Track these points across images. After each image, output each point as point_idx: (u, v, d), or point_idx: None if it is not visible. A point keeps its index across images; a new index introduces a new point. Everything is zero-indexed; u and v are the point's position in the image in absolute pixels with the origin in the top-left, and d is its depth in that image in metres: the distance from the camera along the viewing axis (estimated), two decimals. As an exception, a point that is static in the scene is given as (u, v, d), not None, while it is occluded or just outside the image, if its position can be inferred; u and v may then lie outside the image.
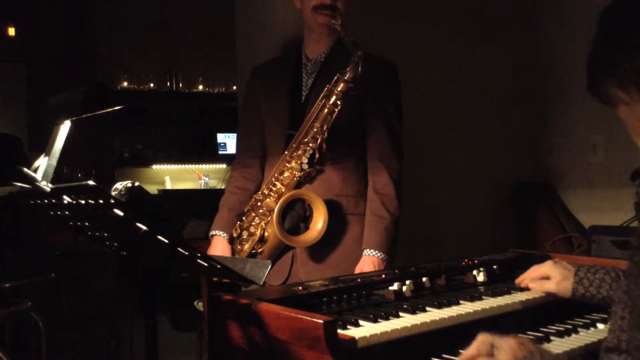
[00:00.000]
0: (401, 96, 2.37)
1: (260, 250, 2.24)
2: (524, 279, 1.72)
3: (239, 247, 2.28)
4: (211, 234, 2.36)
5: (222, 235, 2.33)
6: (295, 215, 2.18)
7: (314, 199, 2.17)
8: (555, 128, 3.71)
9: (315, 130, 2.17)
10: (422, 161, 3.19)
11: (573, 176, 3.66)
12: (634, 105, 1.10)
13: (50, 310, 3.57)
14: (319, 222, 2.16)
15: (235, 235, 2.30)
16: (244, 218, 2.28)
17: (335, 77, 2.15)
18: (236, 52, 3.38)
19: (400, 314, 1.43)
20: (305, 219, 2.19)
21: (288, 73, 2.37)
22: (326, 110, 2.16)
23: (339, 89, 2.14)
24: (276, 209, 2.14)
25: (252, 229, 2.25)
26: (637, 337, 1.04)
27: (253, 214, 2.25)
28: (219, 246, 2.31)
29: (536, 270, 1.70)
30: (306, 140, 2.18)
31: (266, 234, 2.22)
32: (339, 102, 2.14)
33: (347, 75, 2.13)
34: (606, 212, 3.32)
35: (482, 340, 1.26)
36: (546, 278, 1.66)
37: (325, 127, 2.16)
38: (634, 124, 1.13)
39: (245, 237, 2.27)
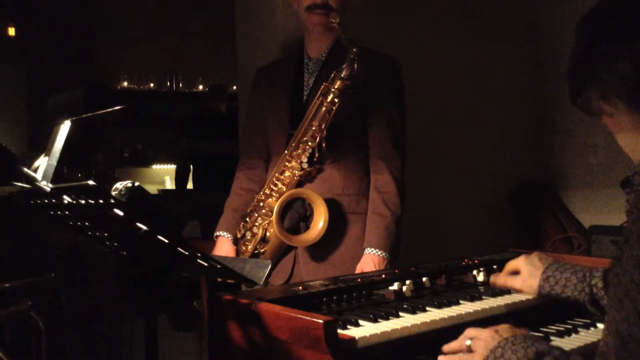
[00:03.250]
0: (404, 92, 2.36)
1: (263, 250, 2.24)
2: (498, 277, 1.69)
3: (243, 248, 2.28)
4: (216, 235, 2.36)
5: (227, 236, 2.33)
6: (295, 215, 2.18)
7: (314, 198, 2.16)
8: (556, 128, 3.71)
9: (313, 129, 2.16)
10: (422, 161, 3.19)
11: (573, 176, 3.66)
12: (619, 117, 1.09)
13: (50, 310, 3.57)
14: (319, 222, 2.16)
15: (239, 236, 2.30)
16: (247, 219, 2.29)
17: (332, 75, 2.15)
18: (236, 52, 3.38)
19: (400, 314, 1.43)
20: (306, 218, 2.19)
21: (290, 73, 2.38)
22: (324, 108, 2.15)
23: (335, 86, 2.13)
24: (275, 209, 2.14)
25: (255, 230, 2.25)
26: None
27: (256, 215, 2.26)
28: (224, 247, 2.32)
29: (510, 264, 1.68)
30: (305, 139, 2.18)
31: (268, 234, 2.22)
32: (336, 100, 2.14)
33: (344, 73, 2.12)
34: (606, 212, 3.32)
35: (465, 334, 1.30)
36: (516, 273, 1.64)
37: (324, 125, 2.16)
38: (621, 135, 1.12)
39: (248, 237, 2.27)
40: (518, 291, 1.63)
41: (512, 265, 1.67)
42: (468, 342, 1.27)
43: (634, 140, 1.10)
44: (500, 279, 1.66)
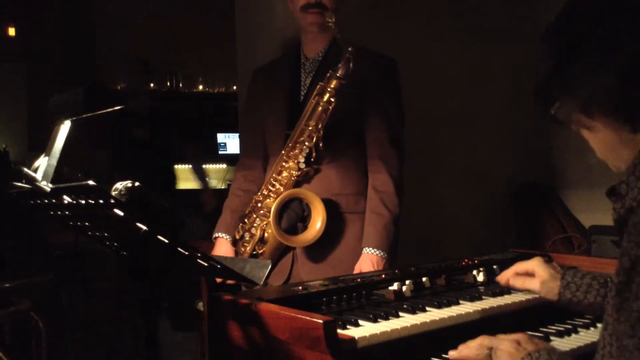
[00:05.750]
0: (401, 92, 2.36)
1: (261, 251, 2.24)
2: (506, 275, 1.65)
3: (242, 249, 2.28)
4: (214, 236, 2.36)
5: (225, 237, 2.33)
6: (292, 215, 2.18)
7: (312, 197, 2.16)
8: (556, 128, 3.70)
9: (310, 128, 2.17)
10: (422, 161, 3.19)
11: (573, 176, 3.66)
12: (599, 130, 1.05)
13: (50, 310, 3.57)
14: (317, 222, 2.16)
15: (237, 237, 2.30)
16: (246, 220, 2.29)
17: (328, 74, 2.15)
18: (236, 52, 3.38)
19: (400, 314, 1.43)
20: (304, 219, 2.19)
21: (287, 74, 2.38)
22: (320, 108, 2.15)
23: (331, 86, 2.14)
24: (272, 209, 2.13)
25: (253, 230, 2.25)
26: None
27: (254, 215, 2.26)
28: (222, 248, 2.31)
29: (521, 265, 1.63)
30: (302, 139, 2.18)
31: (266, 234, 2.22)
32: (332, 100, 2.14)
33: (339, 72, 2.13)
34: (606, 212, 3.29)
35: (481, 343, 1.25)
36: (531, 275, 1.59)
37: (321, 125, 2.16)
38: (601, 146, 1.08)
39: (247, 238, 2.27)
40: (534, 292, 1.58)
41: (524, 266, 1.62)
42: (487, 352, 1.23)
43: (615, 151, 1.06)
44: (518, 280, 1.61)
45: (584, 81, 1.02)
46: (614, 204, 1.06)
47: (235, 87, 6.28)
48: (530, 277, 1.59)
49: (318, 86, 2.16)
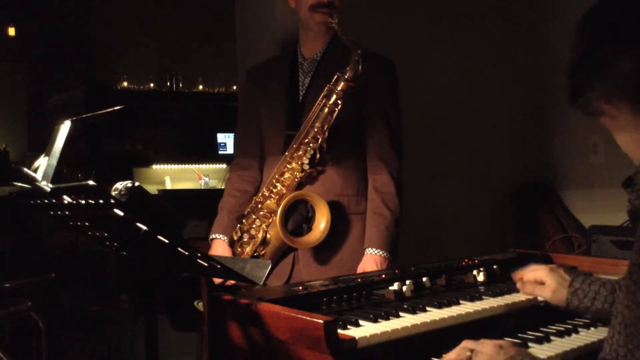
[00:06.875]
0: (399, 93, 2.36)
1: (263, 252, 2.23)
2: (521, 276, 1.68)
3: (239, 249, 2.27)
4: (211, 237, 2.34)
5: (222, 238, 2.31)
6: (297, 217, 2.18)
7: (316, 199, 2.16)
8: (556, 128, 3.71)
9: (315, 130, 2.16)
10: (422, 161, 3.19)
11: (573, 176, 3.66)
12: (620, 117, 1.07)
13: (50, 310, 3.57)
14: (321, 223, 2.16)
15: (235, 238, 2.29)
16: (244, 220, 2.27)
17: (336, 77, 2.14)
18: (236, 52, 3.38)
19: (401, 314, 1.43)
20: (308, 220, 2.19)
21: (284, 73, 2.37)
22: (326, 110, 2.15)
23: (339, 88, 2.13)
24: (279, 211, 2.13)
25: (253, 232, 2.24)
26: (634, 354, 1.02)
27: (253, 216, 2.25)
28: (220, 249, 2.29)
29: (532, 272, 1.65)
30: (307, 140, 2.18)
31: (268, 236, 2.21)
32: (339, 102, 2.14)
33: (348, 75, 2.12)
34: (606, 212, 3.32)
35: (464, 346, 1.26)
36: (541, 283, 1.62)
37: (326, 127, 2.16)
38: (622, 135, 1.10)
39: (246, 239, 2.26)
40: (546, 300, 1.60)
41: (535, 275, 1.64)
42: (468, 354, 1.23)
43: (635, 140, 1.09)
44: (528, 286, 1.63)
45: (607, 67, 1.05)
46: (630, 195, 1.07)
47: (235, 87, 6.27)
48: (541, 286, 1.61)
49: (325, 88, 2.15)
